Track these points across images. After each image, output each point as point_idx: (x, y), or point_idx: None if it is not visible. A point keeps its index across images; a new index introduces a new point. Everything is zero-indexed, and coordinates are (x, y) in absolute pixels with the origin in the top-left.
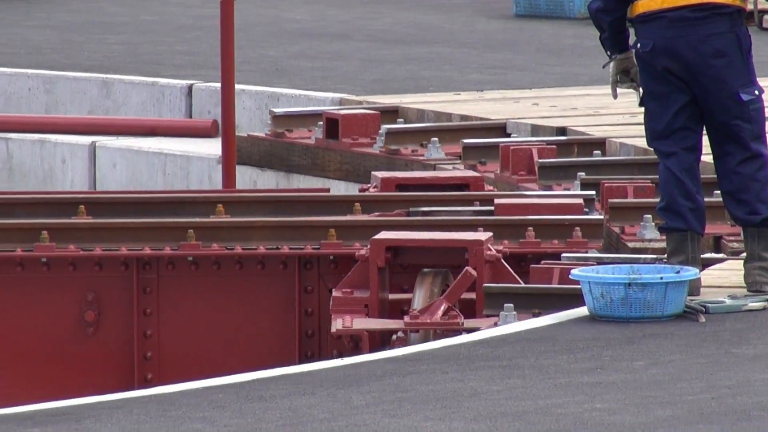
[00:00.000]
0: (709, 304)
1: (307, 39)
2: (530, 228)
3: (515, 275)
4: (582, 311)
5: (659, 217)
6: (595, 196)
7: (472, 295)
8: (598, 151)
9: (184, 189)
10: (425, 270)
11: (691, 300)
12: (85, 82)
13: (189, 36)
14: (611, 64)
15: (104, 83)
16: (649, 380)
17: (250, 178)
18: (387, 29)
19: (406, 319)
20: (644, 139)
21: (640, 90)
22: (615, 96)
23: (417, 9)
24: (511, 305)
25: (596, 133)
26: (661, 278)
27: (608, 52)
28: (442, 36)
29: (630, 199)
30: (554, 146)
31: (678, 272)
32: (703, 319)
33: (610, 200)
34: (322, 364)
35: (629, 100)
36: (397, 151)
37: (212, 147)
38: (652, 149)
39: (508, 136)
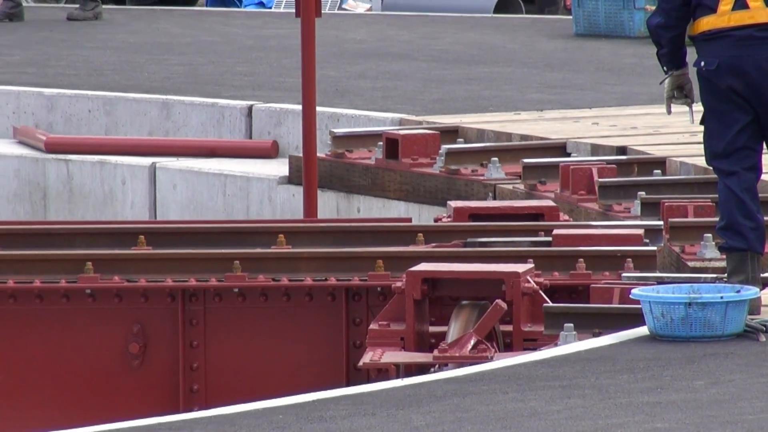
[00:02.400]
0: None
1: (368, 59)
2: (581, 259)
3: None
4: (642, 331)
5: (719, 237)
6: (661, 227)
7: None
8: (659, 171)
9: (247, 219)
10: (463, 303)
11: (752, 319)
12: (146, 103)
13: (249, 57)
14: (667, 80)
15: (164, 104)
16: (709, 400)
17: None
18: (447, 49)
19: (435, 352)
20: (704, 158)
21: (693, 107)
22: (669, 112)
23: (478, 29)
24: (572, 325)
25: (656, 152)
26: (722, 297)
27: (665, 68)
28: (503, 56)
29: (690, 219)
30: (614, 165)
31: (738, 291)
32: (763, 338)
33: (670, 219)
34: (382, 385)
35: (688, 119)
36: (457, 171)
37: (272, 167)
38: (711, 168)
39: (568, 155)
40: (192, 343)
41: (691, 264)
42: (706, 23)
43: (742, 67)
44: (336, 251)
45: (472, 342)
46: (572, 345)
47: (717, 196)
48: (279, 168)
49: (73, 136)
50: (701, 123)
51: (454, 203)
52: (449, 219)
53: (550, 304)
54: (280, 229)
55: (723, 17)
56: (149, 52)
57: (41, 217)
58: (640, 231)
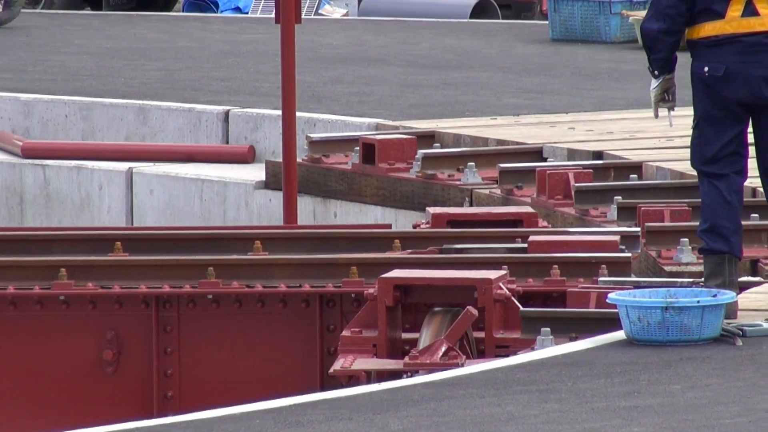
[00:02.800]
0: (747, 328)
1: (344, 64)
2: (555, 266)
3: None
4: (619, 335)
5: (700, 239)
6: (638, 233)
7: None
8: (635, 175)
9: (224, 225)
10: (435, 309)
11: (728, 323)
12: (122, 108)
13: (226, 62)
14: (658, 84)
15: (141, 109)
16: (686, 404)
17: None
18: (424, 54)
19: (406, 359)
20: (680, 163)
21: (672, 111)
22: (657, 116)
23: (454, 34)
24: (548, 329)
25: (633, 157)
26: (698, 302)
27: (656, 72)
28: (479, 61)
29: (667, 223)
30: (591, 170)
31: (715, 296)
32: (740, 342)
33: (647, 224)
34: (360, 389)
35: (664, 124)
36: (434, 176)
37: (249, 172)
38: (691, 172)
39: (545, 160)
40: (166, 349)
41: (667, 268)
42: (712, 28)
43: (750, 74)
44: (310, 258)
45: (443, 349)
46: (549, 349)
47: (693, 200)
48: (256, 173)
49: (49, 141)
50: (694, 127)
51: (432, 209)
52: (428, 225)
53: (527, 309)
54: (257, 235)
55: (732, 23)
56: (126, 58)
57: (18, 222)
58: (616, 237)
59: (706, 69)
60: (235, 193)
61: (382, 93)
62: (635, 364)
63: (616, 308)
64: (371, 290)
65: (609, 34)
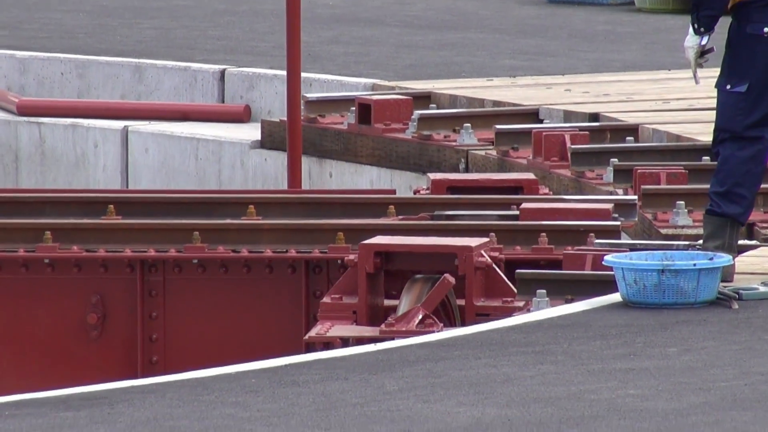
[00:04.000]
0: (743, 291)
1: (340, 24)
2: (543, 234)
3: (509, 283)
4: (615, 297)
5: (710, 199)
6: (636, 201)
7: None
8: (631, 138)
9: (219, 189)
10: (416, 276)
11: (725, 286)
12: (118, 66)
13: (222, 21)
14: (698, 44)
15: (137, 68)
16: (682, 366)
17: (282, 164)
18: (420, 15)
19: (382, 327)
20: (677, 126)
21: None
22: (696, 77)
23: None
24: (544, 291)
25: (629, 119)
26: (695, 265)
27: (702, 29)
28: (475, 22)
29: (663, 186)
30: (587, 132)
31: (711, 259)
32: (736, 305)
33: (643, 187)
34: (355, 350)
35: (661, 86)
36: (430, 137)
37: (244, 132)
38: (688, 135)
39: (541, 122)
40: (152, 314)
41: (663, 231)
42: None
43: None
44: (297, 223)
45: (419, 316)
46: (545, 311)
47: (689, 163)
48: (251, 132)
49: (45, 99)
50: (740, 92)
51: (432, 175)
52: (427, 191)
53: (523, 270)
54: (251, 199)
55: None
56: (121, 16)
57: (12, 180)
58: (609, 205)
59: (766, 30)
60: (230, 153)
61: (378, 53)
62: (631, 326)
63: (612, 271)
64: (351, 257)
65: None
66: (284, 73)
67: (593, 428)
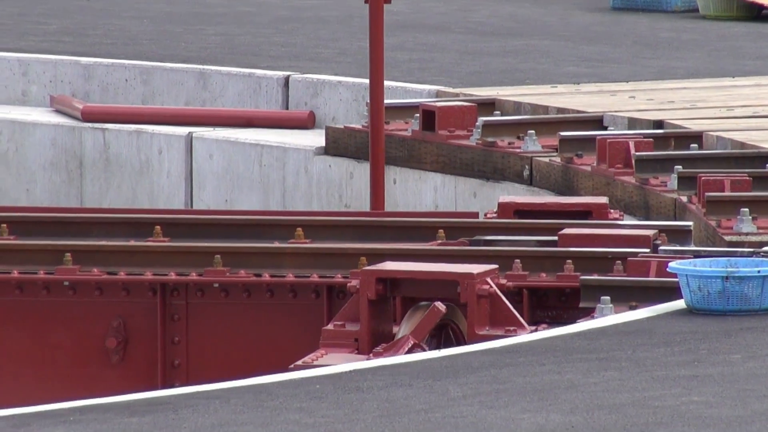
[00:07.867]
0: None
1: (405, 31)
2: (569, 261)
3: (515, 312)
4: (679, 304)
5: None
6: (691, 227)
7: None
8: (695, 145)
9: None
10: (419, 304)
11: None
12: (182, 73)
13: (286, 27)
14: None
15: (201, 74)
16: (746, 373)
17: (346, 170)
18: (484, 21)
19: (370, 355)
20: (741, 133)
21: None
22: None
23: (514, 2)
24: (608, 298)
25: (693, 126)
26: (759, 271)
27: None
28: (539, 29)
29: (727, 193)
30: (651, 139)
31: None
32: None
33: (707, 193)
34: (419, 356)
35: (725, 94)
36: (494, 144)
37: (308, 138)
38: (752, 142)
39: (605, 129)
40: (174, 338)
41: (727, 238)
42: None
43: None
44: (319, 247)
45: (409, 345)
46: (609, 318)
47: (753, 170)
48: (315, 139)
49: (109, 105)
50: None
51: (502, 198)
52: (495, 215)
53: (586, 277)
54: (299, 222)
55: None
56: (186, 22)
57: (77, 186)
58: (651, 232)
59: None
60: (294, 159)
61: (442, 60)
62: (695, 333)
63: (676, 277)
64: (354, 282)
65: (670, 3)
66: (350, 79)
67: None
